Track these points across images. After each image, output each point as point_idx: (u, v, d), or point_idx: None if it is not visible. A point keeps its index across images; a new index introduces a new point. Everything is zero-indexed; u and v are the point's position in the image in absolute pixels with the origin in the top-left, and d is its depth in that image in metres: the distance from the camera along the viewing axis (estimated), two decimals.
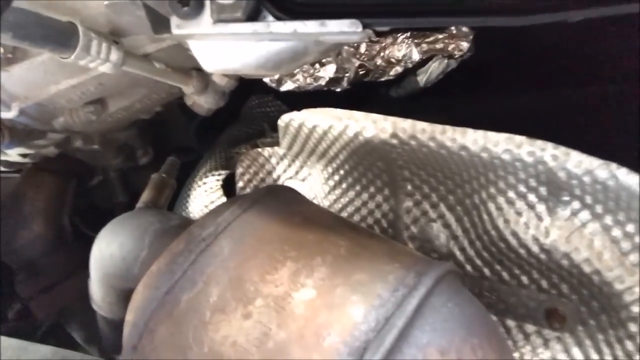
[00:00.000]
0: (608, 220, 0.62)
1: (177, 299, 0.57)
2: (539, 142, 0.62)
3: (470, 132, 0.66)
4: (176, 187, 1.18)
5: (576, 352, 0.69)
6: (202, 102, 0.94)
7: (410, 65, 0.96)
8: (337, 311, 0.52)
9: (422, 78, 1.04)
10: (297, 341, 0.51)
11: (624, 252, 0.62)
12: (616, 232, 0.62)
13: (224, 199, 1.07)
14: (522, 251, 0.69)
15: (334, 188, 0.89)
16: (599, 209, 0.62)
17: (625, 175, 0.58)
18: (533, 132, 0.66)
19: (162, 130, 1.40)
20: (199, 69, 0.88)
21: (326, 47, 0.57)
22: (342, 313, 0.51)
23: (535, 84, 1.10)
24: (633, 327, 0.63)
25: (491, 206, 0.71)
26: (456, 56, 0.95)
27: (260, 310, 0.54)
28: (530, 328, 0.73)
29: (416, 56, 0.95)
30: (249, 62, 0.58)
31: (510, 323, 0.74)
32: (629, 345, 0.63)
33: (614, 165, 0.58)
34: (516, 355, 0.74)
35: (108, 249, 0.83)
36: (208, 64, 0.61)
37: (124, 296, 0.86)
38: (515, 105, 1.09)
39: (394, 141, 0.73)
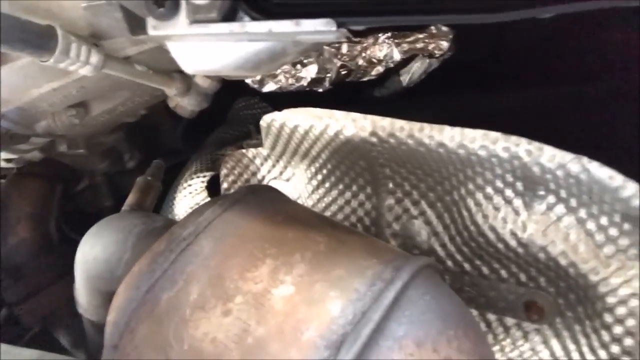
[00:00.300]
0: (582, 213, 0.63)
1: (157, 298, 0.58)
2: (514, 138, 0.63)
3: (447, 129, 0.68)
4: (163, 190, 1.19)
5: (554, 343, 0.71)
6: (185, 104, 0.94)
7: (391, 65, 0.97)
8: (315, 306, 0.52)
9: (405, 78, 1.05)
10: (276, 336, 0.51)
11: (598, 245, 0.63)
12: (590, 225, 0.63)
13: (208, 200, 1.07)
14: (500, 245, 0.71)
15: (317, 187, 0.90)
16: (573, 202, 0.64)
17: (596, 169, 0.59)
18: (526, 130, 0.67)
19: (149, 134, 1.40)
20: (181, 71, 0.88)
21: (305, 47, 0.58)
22: (320, 308, 0.52)
23: (521, 81, 1.11)
24: (609, 318, 0.64)
25: (470, 202, 0.72)
26: (437, 55, 0.97)
27: (240, 307, 0.54)
28: (510, 321, 0.74)
29: (397, 56, 0.96)
30: (228, 62, 0.58)
31: (491, 317, 0.75)
32: (605, 336, 0.65)
33: (585, 159, 0.59)
34: (497, 348, 0.75)
35: (92, 251, 0.83)
36: (187, 65, 0.61)
37: (109, 299, 0.86)
38: (501, 103, 1.10)
39: (374, 139, 0.74)
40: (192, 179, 1.11)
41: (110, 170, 1.33)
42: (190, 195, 1.10)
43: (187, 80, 0.91)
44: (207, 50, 0.58)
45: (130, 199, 1.09)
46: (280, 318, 0.52)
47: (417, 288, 0.55)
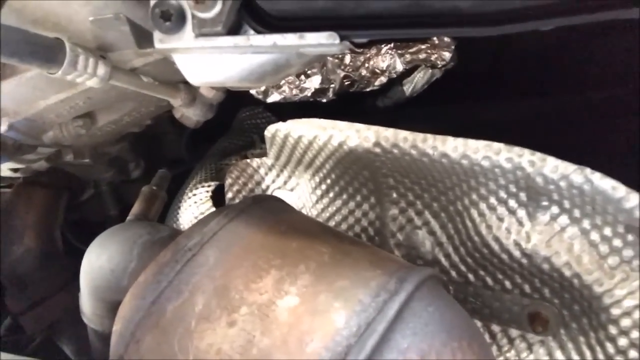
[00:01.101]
0: (586, 224, 0.64)
1: (163, 309, 0.58)
2: (516, 149, 0.64)
3: (450, 139, 0.68)
4: (167, 200, 1.19)
5: (559, 355, 0.70)
6: (190, 115, 0.95)
7: (394, 76, 0.98)
8: (319, 317, 0.53)
9: (408, 88, 1.06)
10: (281, 347, 0.52)
11: (602, 255, 0.63)
12: (594, 236, 0.63)
13: (214, 210, 1.08)
14: (504, 256, 0.71)
15: (321, 197, 0.90)
16: (577, 213, 0.64)
17: (599, 180, 0.59)
18: (528, 140, 0.67)
19: (153, 144, 1.41)
20: (186, 82, 0.89)
21: (308, 59, 0.59)
22: (325, 319, 0.52)
23: (522, 91, 1.12)
24: (613, 330, 0.64)
25: (474, 212, 0.72)
26: (439, 66, 0.97)
27: (245, 318, 0.54)
28: (514, 332, 0.74)
29: (400, 66, 0.97)
30: (233, 74, 0.59)
31: (495, 328, 0.75)
32: (610, 348, 0.64)
33: (588, 170, 0.60)
34: (501, 359, 0.75)
35: (97, 261, 0.84)
36: (193, 77, 0.62)
37: (114, 308, 0.86)
38: (504, 113, 1.11)
39: (377, 150, 0.74)
40: (197, 188, 1.12)
41: (115, 180, 1.34)
42: (195, 204, 1.10)
43: (192, 91, 0.92)
44: (213, 62, 0.59)
45: (136, 209, 1.10)
46: (285, 329, 0.52)
47: (421, 299, 0.55)
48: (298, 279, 0.57)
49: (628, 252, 0.61)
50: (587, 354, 0.68)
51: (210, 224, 0.66)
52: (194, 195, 1.12)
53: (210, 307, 0.56)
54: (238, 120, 1.30)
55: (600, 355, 0.66)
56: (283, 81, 0.98)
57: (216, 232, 0.65)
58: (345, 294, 0.54)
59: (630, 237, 0.61)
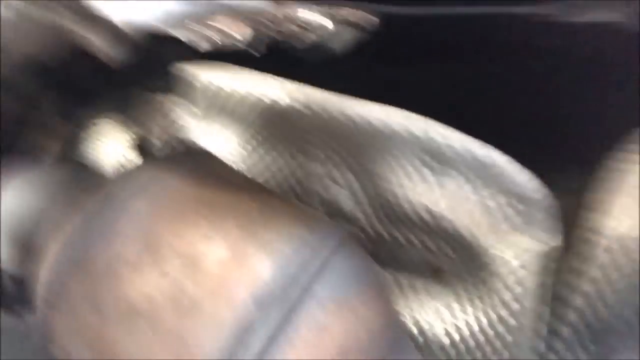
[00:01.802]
0: (485, 193, 0.73)
1: (91, 258, 0.59)
2: (430, 122, 0.71)
3: (375, 108, 0.73)
4: (86, 138, 1.15)
5: (455, 304, 0.81)
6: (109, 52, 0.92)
7: (323, 33, 0.99)
8: (247, 269, 0.57)
9: (336, 45, 1.08)
10: (209, 297, 0.55)
11: (497, 221, 0.73)
12: (492, 204, 0.73)
13: (139, 159, 1.07)
14: (415, 218, 0.78)
15: (249, 154, 0.93)
16: (479, 183, 0.72)
17: (497, 156, 0.69)
18: (446, 106, 0.74)
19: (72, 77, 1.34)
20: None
21: (234, 11, 0.60)
22: (252, 271, 0.57)
23: (450, 56, 1.16)
24: (499, 284, 0.74)
25: (391, 176, 0.79)
26: (367, 26, 1.00)
27: (175, 268, 0.57)
28: (419, 284, 0.83)
29: (329, 25, 0.98)
30: (156, 17, 0.59)
31: (404, 281, 0.84)
32: (496, 300, 0.75)
33: (490, 147, 0.68)
34: (407, 310, 0.84)
35: (13, 201, 0.81)
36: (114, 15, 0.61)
37: (30, 251, 0.85)
38: (431, 77, 1.15)
39: (307, 111, 0.78)
40: (119, 131, 1.09)
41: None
42: (118, 149, 1.08)
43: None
44: (134, 4, 0.59)
45: (55, 149, 1.06)
46: (214, 280, 0.56)
47: (340, 254, 0.61)
48: (227, 232, 0.60)
49: (518, 220, 0.71)
50: (478, 303, 0.78)
51: (139, 173, 0.67)
52: (115, 138, 1.09)
53: (140, 257, 0.58)
54: (163, 64, 1.26)
55: (488, 305, 0.77)
56: (212, 30, 0.97)
57: (145, 181, 0.66)
58: (271, 247, 0.58)
59: (520, 207, 0.71)
